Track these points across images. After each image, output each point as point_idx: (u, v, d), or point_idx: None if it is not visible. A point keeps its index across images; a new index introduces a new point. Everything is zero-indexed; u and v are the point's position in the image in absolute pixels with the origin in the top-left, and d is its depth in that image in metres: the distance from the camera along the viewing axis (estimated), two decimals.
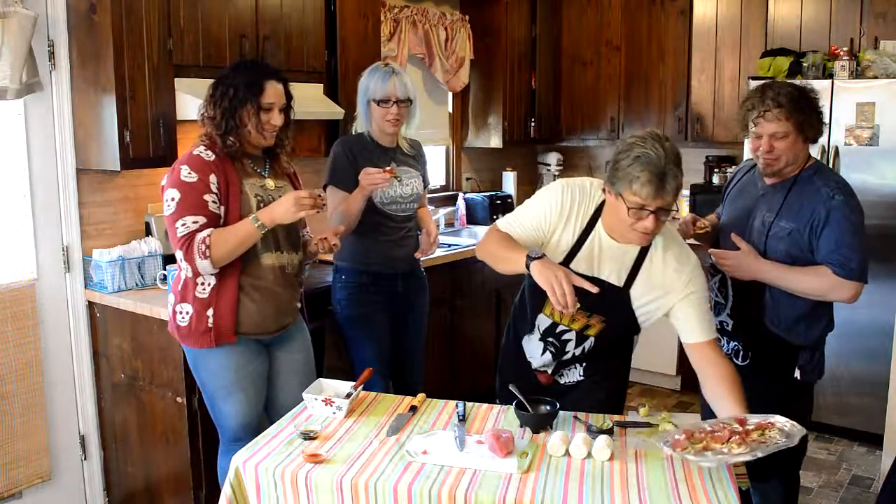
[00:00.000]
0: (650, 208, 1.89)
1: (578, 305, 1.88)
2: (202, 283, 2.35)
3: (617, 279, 2.07)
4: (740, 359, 2.41)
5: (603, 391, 2.27)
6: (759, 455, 1.68)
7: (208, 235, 2.25)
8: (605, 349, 2.21)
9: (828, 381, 2.91)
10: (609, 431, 2.00)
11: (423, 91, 4.63)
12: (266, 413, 2.59)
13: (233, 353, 2.40)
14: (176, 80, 2.95)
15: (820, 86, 3.86)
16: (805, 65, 4.04)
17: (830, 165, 3.86)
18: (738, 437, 1.72)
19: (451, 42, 4.65)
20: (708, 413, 2.41)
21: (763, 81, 2.38)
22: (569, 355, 2.21)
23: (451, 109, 4.99)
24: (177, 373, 2.75)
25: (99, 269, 3.00)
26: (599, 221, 2.07)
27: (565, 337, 2.18)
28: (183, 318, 2.38)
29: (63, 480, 3.10)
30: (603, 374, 2.26)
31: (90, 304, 3.08)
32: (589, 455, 1.88)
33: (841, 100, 3.85)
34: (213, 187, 2.31)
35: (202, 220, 2.28)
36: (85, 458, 3.16)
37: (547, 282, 1.87)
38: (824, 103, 2.37)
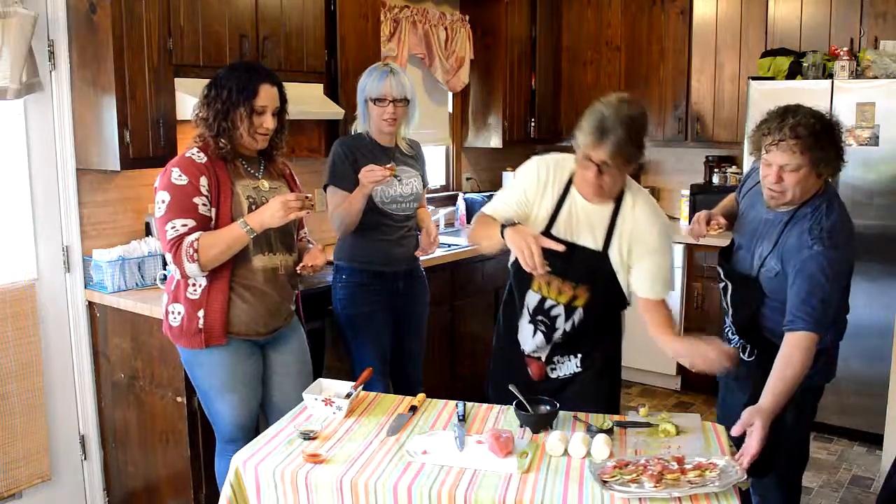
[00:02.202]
0: (593, 159, 2.03)
1: (548, 269, 2.00)
2: (193, 284, 2.35)
3: (594, 243, 2.16)
4: (746, 354, 2.41)
5: (602, 386, 2.30)
6: (676, 495, 1.66)
7: (196, 239, 2.25)
8: (595, 323, 2.24)
9: None
10: (609, 431, 2.00)
11: (423, 91, 4.63)
12: (263, 414, 2.59)
13: (225, 353, 2.40)
14: (176, 80, 2.95)
15: (820, 86, 3.89)
16: (805, 65, 4.04)
17: None
18: (671, 475, 1.72)
19: (451, 42, 4.65)
20: (721, 416, 2.44)
21: (786, 105, 2.18)
22: (559, 332, 2.24)
23: (451, 109, 4.99)
24: (177, 373, 2.75)
25: (99, 269, 3.00)
26: (573, 186, 2.19)
27: (554, 312, 2.23)
28: (175, 318, 2.39)
29: (63, 480, 3.10)
30: (599, 368, 2.29)
31: (90, 304, 3.09)
32: (588, 454, 1.88)
33: (841, 100, 3.84)
34: (204, 190, 2.30)
35: (191, 223, 2.27)
36: (85, 458, 3.16)
37: (518, 247, 1.99)
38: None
